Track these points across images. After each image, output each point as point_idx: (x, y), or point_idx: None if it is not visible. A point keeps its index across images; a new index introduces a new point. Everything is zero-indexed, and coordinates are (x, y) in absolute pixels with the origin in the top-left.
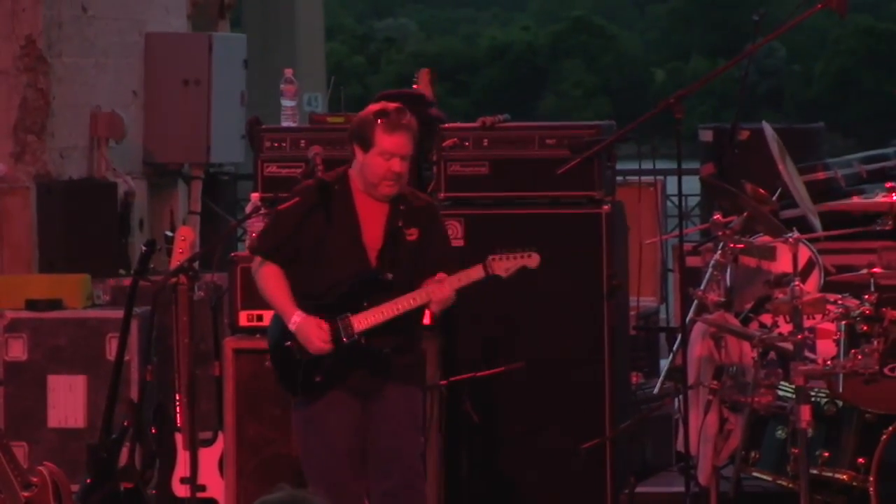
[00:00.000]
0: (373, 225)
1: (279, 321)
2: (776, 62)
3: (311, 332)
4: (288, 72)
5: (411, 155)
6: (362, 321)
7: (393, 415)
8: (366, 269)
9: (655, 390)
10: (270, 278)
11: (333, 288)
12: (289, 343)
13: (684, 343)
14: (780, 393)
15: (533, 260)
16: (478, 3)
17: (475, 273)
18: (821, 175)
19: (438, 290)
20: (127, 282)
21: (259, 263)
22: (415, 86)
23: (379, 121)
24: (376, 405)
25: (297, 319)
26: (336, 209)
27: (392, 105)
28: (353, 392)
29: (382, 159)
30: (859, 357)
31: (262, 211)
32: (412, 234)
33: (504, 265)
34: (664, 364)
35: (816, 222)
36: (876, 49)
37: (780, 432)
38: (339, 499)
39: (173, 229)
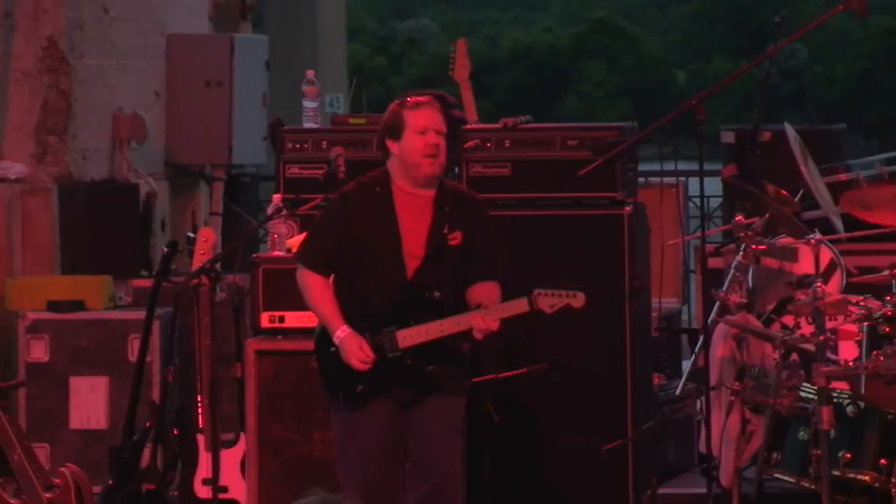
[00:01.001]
0: (415, 231)
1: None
2: (798, 63)
3: (353, 351)
4: (310, 73)
5: (444, 133)
6: (408, 338)
7: (433, 423)
8: (406, 279)
9: (677, 391)
10: (316, 289)
11: (375, 297)
12: (333, 349)
13: (706, 344)
14: (802, 394)
15: (578, 300)
16: (500, 4)
17: (519, 307)
18: (842, 176)
19: (483, 322)
20: (149, 283)
21: (303, 272)
22: (451, 55)
23: (401, 105)
24: (417, 413)
25: (340, 334)
26: (377, 213)
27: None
28: (394, 401)
29: (417, 136)
30: (881, 358)
31: (284, 212)
32: (455, 239)
33: (549, 301)
34: (686, 365)
35: (839, 223)
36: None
37: (802, 433)
38: (371, 500)
39: (195, 230)
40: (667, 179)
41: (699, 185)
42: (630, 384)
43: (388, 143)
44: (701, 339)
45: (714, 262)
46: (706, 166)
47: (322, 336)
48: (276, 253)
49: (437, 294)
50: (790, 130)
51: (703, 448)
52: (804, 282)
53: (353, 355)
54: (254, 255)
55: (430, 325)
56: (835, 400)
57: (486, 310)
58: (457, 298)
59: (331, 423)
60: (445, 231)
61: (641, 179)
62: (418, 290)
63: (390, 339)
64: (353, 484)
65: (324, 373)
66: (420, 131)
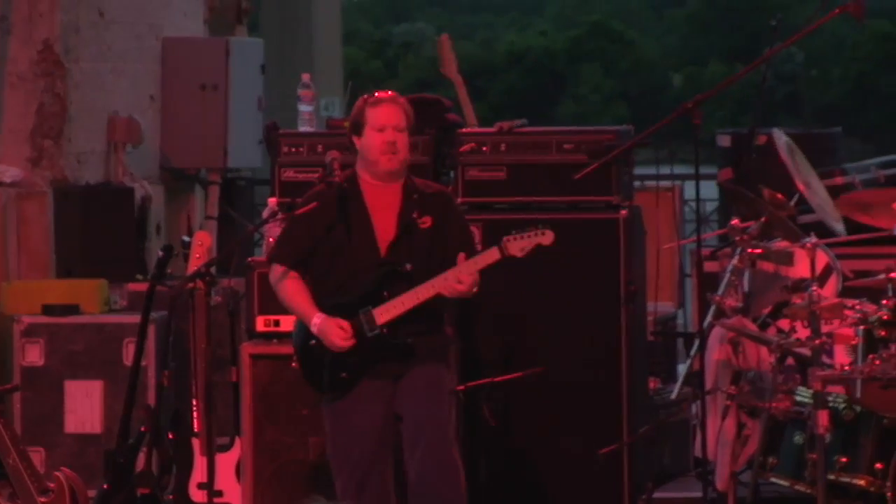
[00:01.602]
0: (385, 216)
1: (302, 323)
2: (794, 67)
3: (332, 331)
4: (305, 77)
5: (405, 128)
6: (384, 313)
7: (419, 390)
8: (379, 259)
9: (673, 395)
10: (288, 284)
11: (349, 281)
12: (313, 342)
13: (702, 348)
14: (798, 398)
15: (547, 237)
16: (496, 7)
17: (491, 256)
18: (839, 180)
19: (454, 278)
20: (144, 287)
21: (275, 270)
22: (439, 51)
23: (365, 102)
24: (403, 385)
25: (317, 321)
26: (349, 207)
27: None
28: (380, 377)
29: (376, 133)
30: (877, 362)
31: (280, 216)
32: (426, 223)
33: (519, 245)
34: (682, 369)
35: (839, 227)
36: (894, 54)
37: (797, 438)
38: (363, 486)
39: (190, 234)
40: (663, 183)
41: (695, 189)
42: (626, 388)
43: (353, 138)
44: (697, 342)
45: (710, 266)
46: (702, 170)
47: (299, 333)
48: None
49: (407, 266)
50: (780, 136)
51: (698, 452)
52: (800, 285)
53: (333, 335)
54: (249, 259)
55: (405, 295)
56: (831, 404)
57: (457, 267)
58: (430, 277)
59: (323, 422)
60: (415, 216)
61: (637, 183)
62: (390, 265)
63: (367, 318)
64: (343, 466)
65: (307, 370)
66: (379, 128)
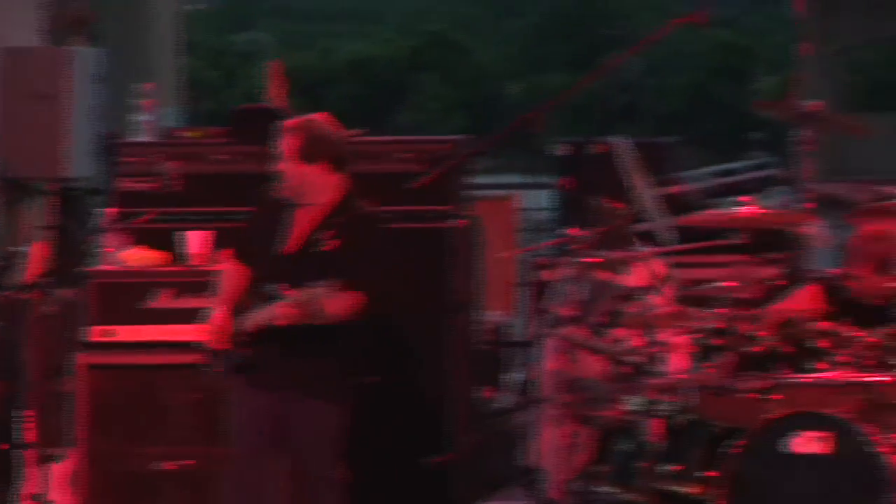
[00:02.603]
0: (298, 233)
1: None
2: (632, 76)
3: (212, 331)
4: (146, 86)
5: (288, 157)
6: (250, 324)
7: (296, 400)
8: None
9: (507, 404)
10: (229, 281)
11: (255, 291)
12: None
13: (537, 357)
14: (632, 407)
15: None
16: (335, 17)
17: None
18: (676, 189)
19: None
20: None
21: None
22: (270, 77)
23: None
24: (283, 393)
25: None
26: (283, 219)
27: None
28: (261, 383)
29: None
30: (711, 371)
31: (117, 226)
32: (330, 245)
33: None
34: (517, 378)
35: (671, 236)
36: (730, 63)
37: (630, 446)
38: (258, 480)
39: (26, 244)
40: (501, 192)
41: (533, 198)
42: (456, 398)
43: None
44: (531, 352)
45: (546, 275)
46: (541, 179)
47: None
48: (108, 267)
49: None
50: (622, 144)
51: (532, 461)
52: (635, 294)
53: (212, 335)
54: (86, 269)
55: (260, 313)
56: (663, 412)
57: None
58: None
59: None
60: (321, 237)
61: (476, 192)
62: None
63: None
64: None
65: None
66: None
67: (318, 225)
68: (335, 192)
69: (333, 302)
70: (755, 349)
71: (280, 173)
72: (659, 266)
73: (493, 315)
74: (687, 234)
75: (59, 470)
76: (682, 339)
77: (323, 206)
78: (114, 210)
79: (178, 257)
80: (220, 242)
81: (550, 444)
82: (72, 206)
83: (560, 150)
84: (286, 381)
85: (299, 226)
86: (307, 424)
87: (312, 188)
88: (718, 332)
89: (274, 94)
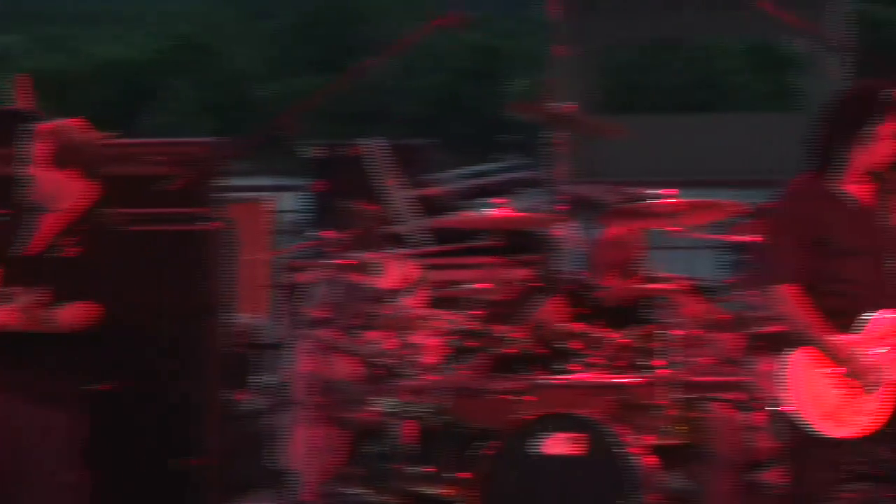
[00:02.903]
0: (40, 238)
1: None
2: (384, 79)
3: None
4: None
5: (42, 162)
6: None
7: (22, 405)
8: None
9: (259, 406)
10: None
11: None
12: None
13: (290, 359)
14: (385, 409)
15: None
16: (88, 19)
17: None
18: (429, 191)
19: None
20: None
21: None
22: (16, 93)
23: None
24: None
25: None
26: (31, 225)
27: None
28: None
29: None
30: (464, 372)
31: None
32: (66, 252)
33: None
34: (268, 381)
35: (424, 238)
36: (481, 66)
37: (382, 448)
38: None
39: None
40: (255, 194)
41: (288, 201)
42: (206, 400)
43: None
44: (283, 354)
45: (301, 277)
46: (295, 181)
47: None
48: None
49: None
50: (374, 146)
51: (284, 463)
52: (388, 296)
53: None
54: None
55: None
56: (416, 414)
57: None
58: None
59: None
60: (61, 243)
61: (229, 195)
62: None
63: None
64: None
65: None
66: None
67: (60, 231)
68: (83, 198)
69: (67, 311)
70: (508, 351)
71: (29, 177)
72: (411, 268)
73: (245, 317)
74: (440, 235)
75: None
76: (434, 341)
77: (69, 211)
78: None
79: None
80: None
81: (302, 446)
82: None
83: (313, 152)
84: (11, 386)
85: (43, 230)
86: (34, 430)
87: (61, 194)
88: (471, 334)
89: (20, 96)
